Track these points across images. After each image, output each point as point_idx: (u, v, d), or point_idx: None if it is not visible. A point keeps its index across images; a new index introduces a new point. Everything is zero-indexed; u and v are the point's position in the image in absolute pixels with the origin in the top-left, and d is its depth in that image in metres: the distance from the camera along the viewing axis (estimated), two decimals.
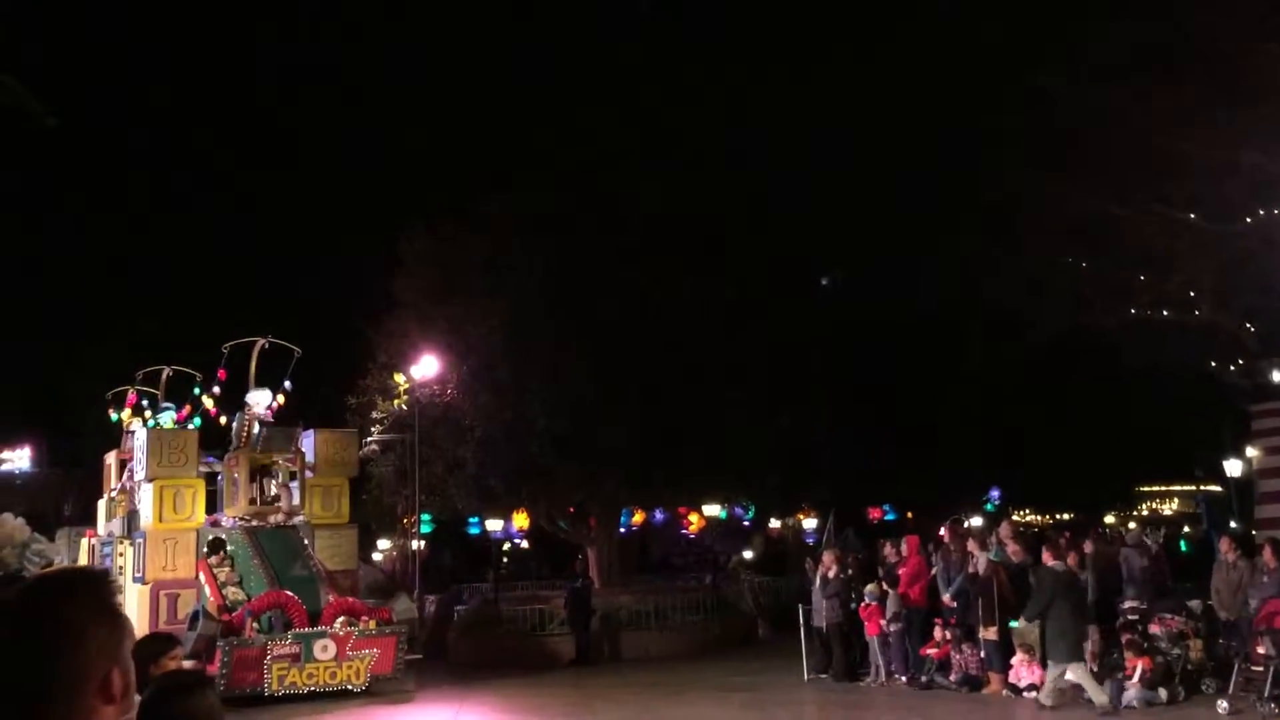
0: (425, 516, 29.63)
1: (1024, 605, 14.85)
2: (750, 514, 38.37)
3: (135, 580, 18.93)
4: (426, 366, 25.30)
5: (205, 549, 18.40)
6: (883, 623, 16.88)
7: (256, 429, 19.58)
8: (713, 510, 36.51)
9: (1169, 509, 60.06)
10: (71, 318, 43.89)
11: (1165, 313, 27.48)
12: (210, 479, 20.33)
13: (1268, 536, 16.45)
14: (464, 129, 52.68)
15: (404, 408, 27.02)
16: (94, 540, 22.49)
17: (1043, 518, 52.48)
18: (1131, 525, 24.13)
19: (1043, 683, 14.44)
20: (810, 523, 38.15)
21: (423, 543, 29.99)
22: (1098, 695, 13.60)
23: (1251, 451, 29.00)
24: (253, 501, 19.44)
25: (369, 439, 26.94)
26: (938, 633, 16.39)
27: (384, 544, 34.50)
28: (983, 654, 15.75)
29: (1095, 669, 14.37)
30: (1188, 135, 23.25)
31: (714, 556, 38.03)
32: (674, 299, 25.01)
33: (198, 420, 21.75)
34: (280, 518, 19.34)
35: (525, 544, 43.13)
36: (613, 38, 47.03)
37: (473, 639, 23.01)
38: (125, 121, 51.75)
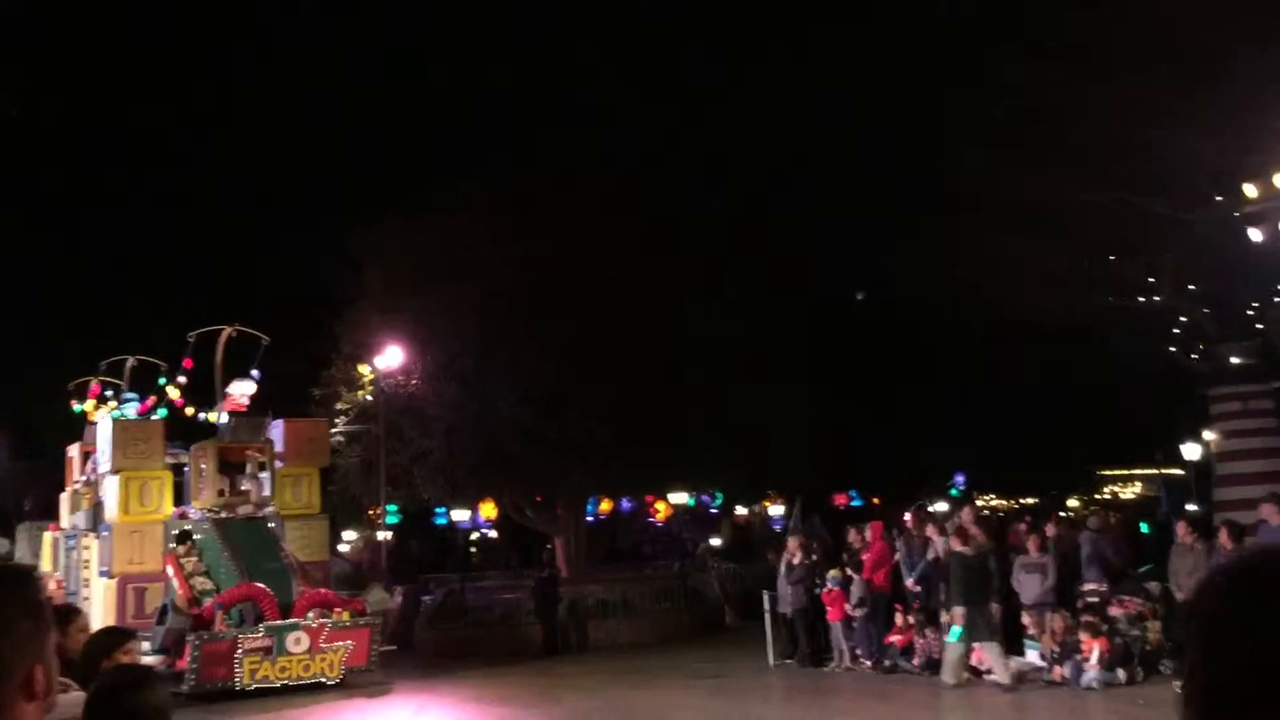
0: (391, 507, 29.56)
1: (986, 590, 15.01)
2: (717, 501, 38.51)
3: (101, 574, 18.67)
4: (391, 357, 25.23)
5: (173, 541, 18.11)
6: (847, 607, 17.01)
7: (224, 419, 19.33)
8: (680, 498, 36.62)
9: (1130, 493, 60.77)
10: (30, 309, 43.31)
11: (1126, 298, 27.77)
12: (177, 471, 20.02)
13: (1224, 519, 16.69)
14: (427, 117, 52.33)
15: (369, 399, 26.93)
16: (57, 534, 22.15)
17: (1007, 502, 52.95)
18: (1094, 509, 24.44)
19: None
20: (777, 509, 38.34)
21: (389, 534, 29.92)
22: (1003, 675, 14.30)
23: (1209, 435, 29.41)
24: (221, 493, 19.17)
25: (334, 430, 26.81)
26: (899, 618, 16.54)
27: (350, 535, 34.37)
28: (945, 638, 15.89)
29: (1057, 651, 14.57)
30: (1147, 122, 23.47)
31: (682, 544, 38.17)
32: (639, 285, 25.01)
33: (163, 411, 21.48)
34: (250, 509, 19.09)
35: (493, 534, 43.10)
36: (571, 26, 46.89)
37: (439, 630, 22.99)
38: (84, 111, 51.04)
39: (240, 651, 15.96)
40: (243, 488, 19.56)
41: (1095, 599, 15.36)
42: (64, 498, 23.19)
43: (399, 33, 53.94)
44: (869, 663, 16.82)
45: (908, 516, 19.64)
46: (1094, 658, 14.10)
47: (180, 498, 19.80)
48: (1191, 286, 27.38)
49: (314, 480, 20.80)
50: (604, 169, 27.72)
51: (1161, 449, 41.77)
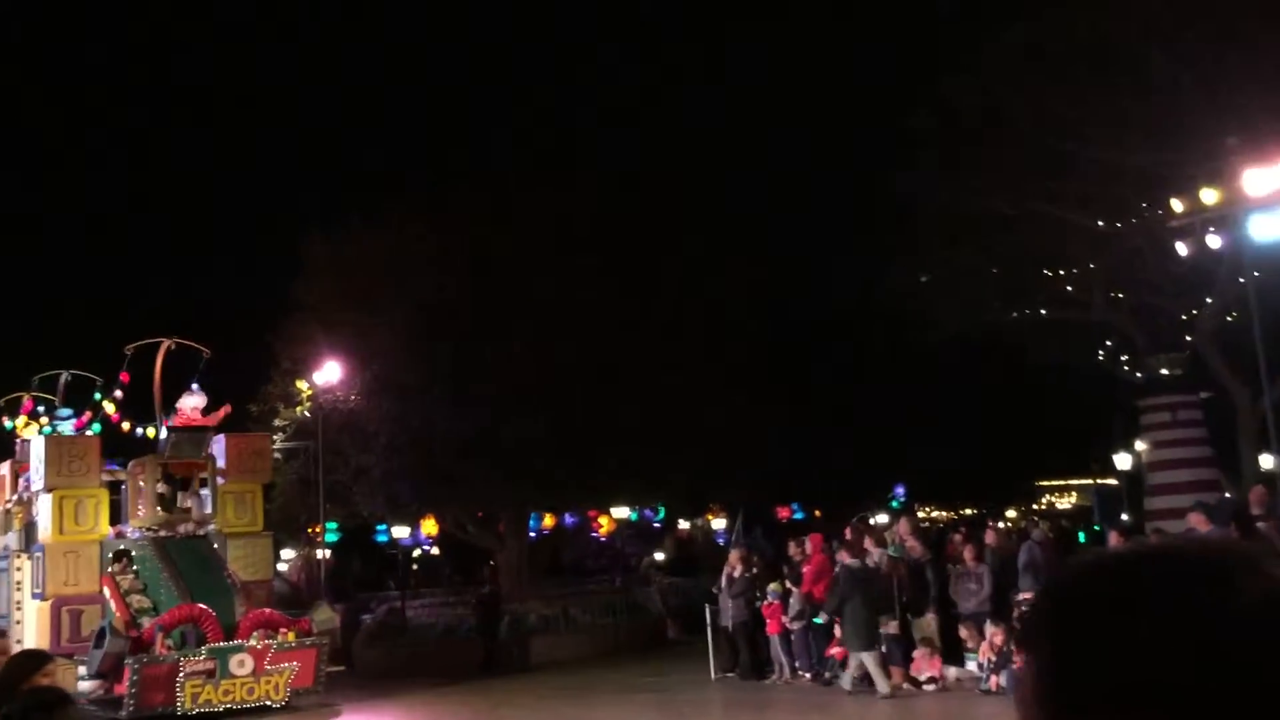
0: (331, 525, 29.18)
1: (923, 601, 15.17)
2: (660, 515, 38.50)
3: (34, 596, 18.02)
4: (330, 372, 24.93)
5: (109, 562, 17.57)
6: (785, 620, 17.06)
7: (165, 434, 18.79)
8: (622, 513, 36.55)
9: (1067, 503, 61.74)
10: None
11: (1058, 310, 28.24)
12: (113, 488, 19.38)
13: (1155, 528, 16.99)
14: (368, 130, 52.03)
15: (307, 415, 26.59)
16: None
17: (947, 514, 53.55)
18: (1041, 523, 24.73)
19: (942, 676, 14.92)
20: (719, 523, 38.41)
21: (328, 552, 29.53)
22: (881, 684, 14.87)
23: (1140, 445, 29.96)
24: (161, 511, 18.53)
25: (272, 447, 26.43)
26: (838, 631, 16.62)
27: (288, 554, 33.88)
28: (883, 649, 16.00)
29: (994, 660, 14.72)
30: (1078, 135, 23.93)
31: (625, 559, 38.10)
32: (580, 299, 24.98)
33: (97, 426, 20.89)
34: (190, 527, 18.53)
35: (435, 551, 42.72)
36: (518, 36, 46.90)
37: (379, 648, 22.72)
38: (25, 110, 50.13)
39: (182, 675, 15.46)
40: (184, 505, 18.97)
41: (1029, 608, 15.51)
42: None
43: (354, 54, 53.63)
44: (809, 675, 16.87)
45: (848, 529, 19.76)
46: None
47: (117, 516, 19.24)
48: (1122, 298, 27.91)
49: (257, 496, 20.25)
50: (546, 177, 27.63)
51: (1097, 459, 42.47)
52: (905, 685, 15.37)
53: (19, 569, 19.08)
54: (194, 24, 55.09)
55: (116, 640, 15.65)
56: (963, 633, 15.45)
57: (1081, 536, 30.70)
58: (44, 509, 18.52)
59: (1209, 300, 26.28)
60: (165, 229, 49.81)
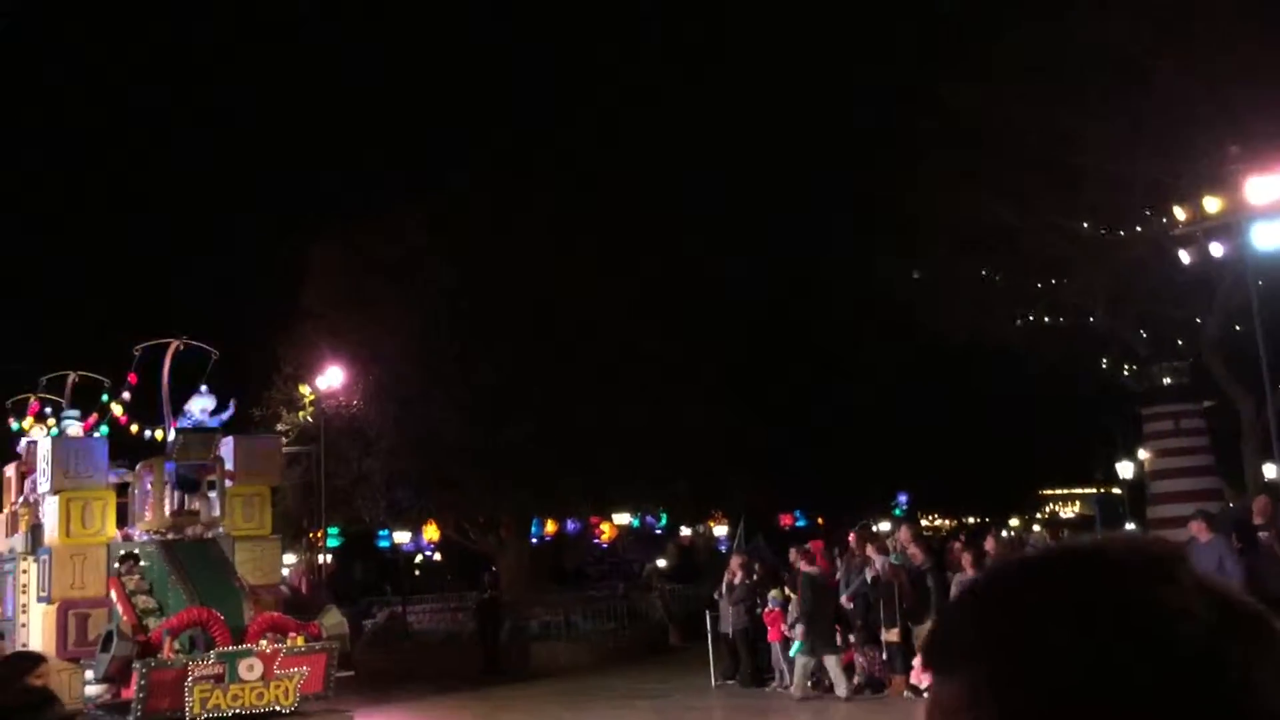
0: (333, 530, 29.20)
1: (924, 608, 15.15)
2: (662, 522, 38.47)
3: (40, 600, 17.73)
4: (332, 377, 24.96)
5: (116, 564, 17.22)
6: (784, 628, 17.04)
7: (172, 435, 18.52)
8: (624, 519, 36.54)
9: (1070, 512, 61.62)
10: None
11: (1062, 319, 28.22)
12: (120, 491, 18.96)
13: (1157, 536, 16.92)
14: (373, 135, 52.13)
15: (310, 419, 26.61)
16: None
17: (949, 521, 53.48)
18: (1037, 528, 24.72)
19: None
20: (721, 530, 38.39)
21: (330, 556, 29.55)
22: (840, 687, 15.47)
23: (1143, 453, 29.91)
24: (176, 513, 18.10)
25: None
26: (838, 638, 16.61)
27: (290, 559, 33.87)
28: (885, 656, 15.99)
29: None
30: (1082, 145, 23.93)
31: (626, 565, 38.06)
32: (583, 304, 25.01)
33: (104, 428, 20.71)
34: (199, 529, 18.13)
35: (437, 556, 42.70)
36: (518, 40, 47.01)
37: (380, 652, 22.71)
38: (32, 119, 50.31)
39: (190, 679, 15.03)
40: (192, 507, 18.49)
41: None
42: (0, 520, 22.41)
43: (356, 56, 53.78)
44: (809, 682, 16.83)
45: (851, 536, 19.73)
46: None
47: (123, 519, 19.06)
48: (1125, 307, 27.89)
49: (266, 499, 19.75)
50: (546, 180, 27.69)
51: (1100, 468, 42.41)
52: (906, 693, 15.35)
53: (25, 572, 18.85)
54: (200, 25, 55.27)
55: (124, 644, 15.23)
56: None
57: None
58: (50, 511, 18.28)
59: (1212, 309, 26.25)
60: (166, 230, 49.91)
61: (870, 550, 16.74)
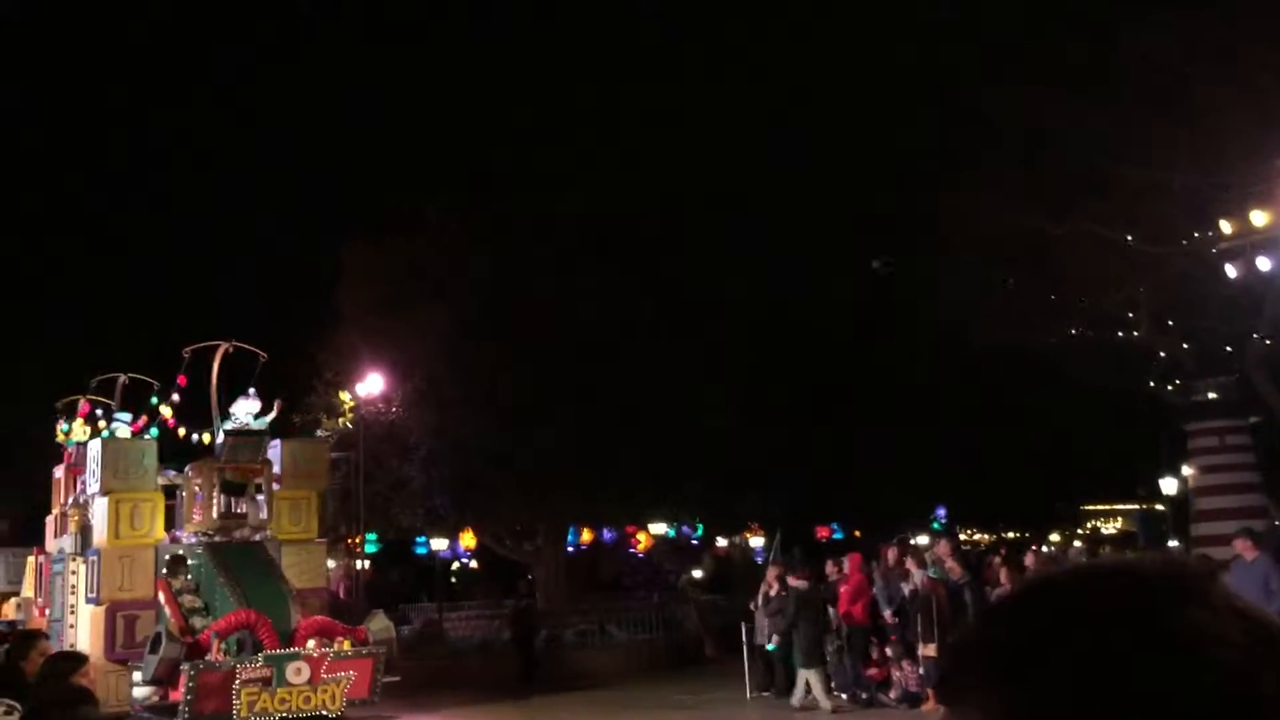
0: (371, 536, 29.38)
1: (961, 623, 15.00)
2: (699, 533, 38.37)
3: (89, 601, 17.81)
4: (372, 384, 25.14)
5: (164, 566, 17.30)
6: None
7: (220, 439, 18.34)
8: (660, 529, 36.48)
9: (1112, 528, 60.86)
10: (6, 331, 43.09)
11: (1105, 333, 27.93)
12: (169, 493, 19.03)
13: (1201, 554, 16.72)
14: (407, 139, 52.55)
15: (349, 425, 26.81)
16: (41, 558, 21.46)
17: (987, 536, 52.98)
18: (1077, 544, 24.45)
19: None
20: (758, 541, 38.23)
21: (367, 563, 29.73)
22: (824, 700, 15.90)
23: (1188, 470, 29.52)
24: (224, 516, 18.07)
25: None
26: (875, 652, 16.50)
27: (329, 564, 34.10)
28: (922, 671, 15.85)
29: None
30: (1125, 156, 23.70)
31: (662, 576, 37.96)
32: (626, 310, 25.05)
33: (154, 430, 20.77)
34: (246, 532, 18.13)
35: (474, 564, 42.83)
36: (544, 45, 47.27)
37: (416, 659, 22.78)
38: (62, 120, 51.14)
39: (238, 682, 14.95)
40: (240, 510, 18.46)
41: None
42: (49, 520, 22.18)
43: (388, 57, 54.22)
44: (845, 696, 16.74)
45: (892, 550, 19.59)
46: None
47: (171, 521, 18.98)
48: (1170, 321, 27.57)
49: (313, 503, 19.76)
50: (580, 183, 27.83)
51: (1143, 484, 41.86)
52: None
53: (74, 572, 18.89)
54: (234, 27, 55.96)
55: (172, 646, 15.22)
56: None
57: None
58: (100, 512, 18.29)
59: (1258, 323, 25.89)
60: (207, 234, 50.51)
61: (910, 564, 16.62)
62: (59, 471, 22.03)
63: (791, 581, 16.96)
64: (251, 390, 18.95)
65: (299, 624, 16.27)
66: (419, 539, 36.48)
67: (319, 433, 27.60)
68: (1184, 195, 23.79)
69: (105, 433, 20.58)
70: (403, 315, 25.69)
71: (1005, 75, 24.71)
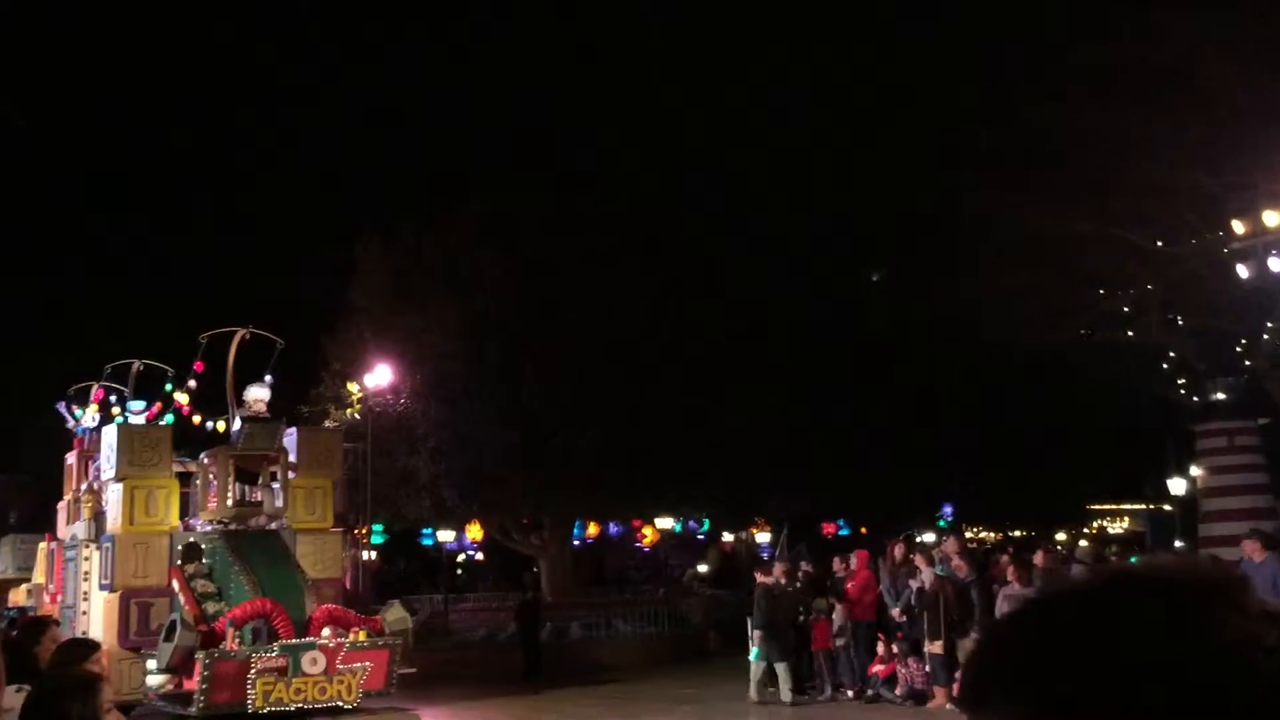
0: (377, 527, 29.42)
1: (968, 621, 15.02)
2: (704, 527, 38.43)
3: (102, 588, 17.58)
4: (380, 375, 25.18)
5: (179, 554, 16.96)
6: (829, 637, 16.99)
7: (236, 425, 17.82)
8: (666, 523, 36.54)
9: (1119, 527, 60.76)
10: (16, 320, 43.22)
11: (1114, 332, 27.86)
12: (183, 480, 18.58)
13: (1209, 555, 16.70)
14: (423, 135, 52.56)
15: (357, 417, 26.85)
16: (53, 545, 21.44)
17: (994, 534, 52.93)
18: (1083, 543, 24.42)
19: None
20: (764, 536, 38.26)
21: (373, 553, 29.77)
22: (785, 692, 16.31)
23: (1196, 471, 29.46)
24: (239, 503, 17.40)
25: None
26: (882, 648, 16.51)
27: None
28: (928, 668, 15.86)
29: None
30: (1136, 156, 23.62)
31: (668, 570, 38.05)
32: (633, 306, 25.07)
33: (169, 418, 20.68)
34: (262, 520, 17.62)
35: (480, 556, 42.92)
36: (572, 41, 47.27)
37: (421, 651, 22.80)
38: (84, 121, 51.20)
39: (253, 672, 14.69)
40: (255, 498, 17.88)
41: None
42: (61, 507, 21.92)
43: (398, 58, 54.27)
44: (851, 692, 16.76)
45: (897, 547, 19.58)
46: None
47: (185, 509, 18.64)
48: (1179, 321, 27.50)
49: (328, 492, 19.40)
50: (602, 190, 27.86)
51: (1150, 484, 41.78)
52: (949, 705, 15.21)
53: (87, 559, 18.75)
54: (238, 29, 56.00)
55: (187, 634, 14.96)
56: None
57: (1133, 561, 30.12)
58: (114, 499, 18.15)
59: (1269, 324, 25.80)
60: (210, 228, 50.67)
61: (919, 561, 16.63)
62: (71, 458, 21.87)
63: (760, 578, 17.37)
64: (269, 378, 18.84)
65: (314, 613, 15.99)
66: (425, 530, 36.57)
67: (326, 423, 27.66)
68: (1195, 195, 23.71)
69: (119, 419, 20.44)
70: (412, 308, 25.73)
71: (1014, 75, 24.66)
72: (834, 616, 17.03)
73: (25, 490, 35.78)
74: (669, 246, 26.33)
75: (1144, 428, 35.29)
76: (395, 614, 16.60)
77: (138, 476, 17.93)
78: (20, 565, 23.29)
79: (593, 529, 34.42)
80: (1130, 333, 27.91)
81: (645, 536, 39.55)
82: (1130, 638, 0.74)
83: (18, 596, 21.14)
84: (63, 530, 21.39)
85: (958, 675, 15.22)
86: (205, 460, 18.19)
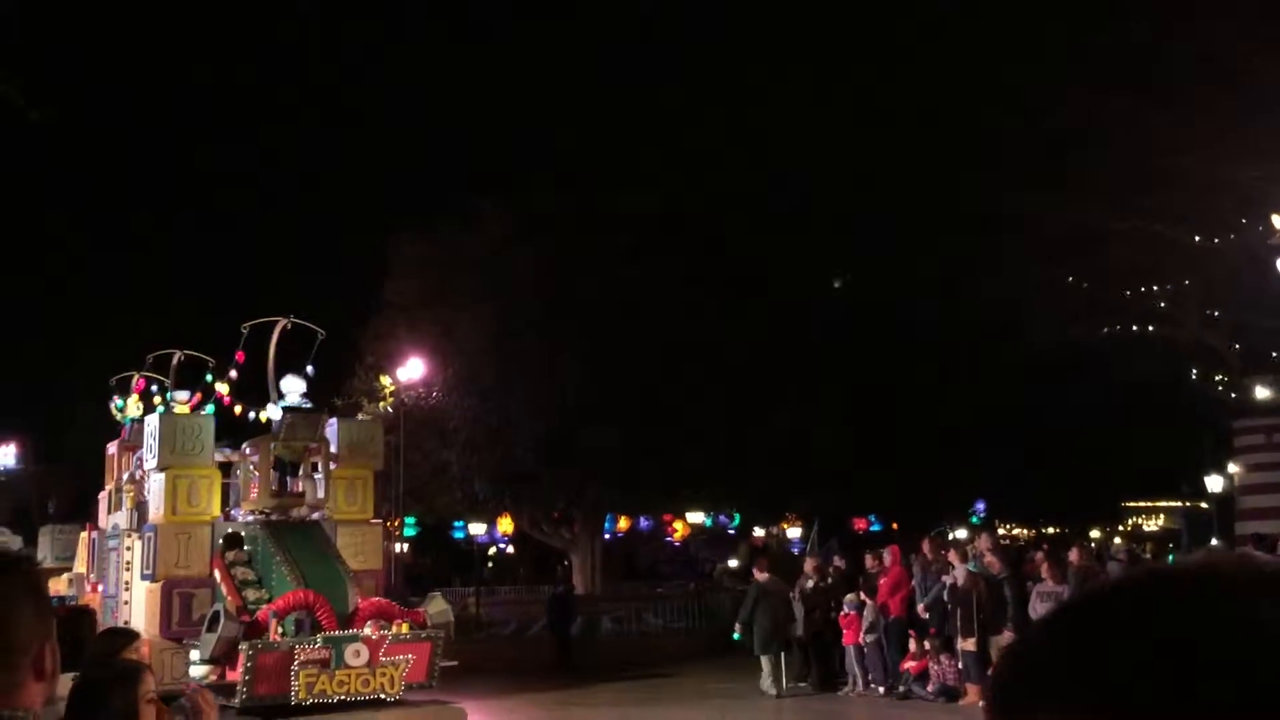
0: (409, 520, 29.62)
1: (1000, 618, 14.94)
2: (735, 522, 38.40)
3: (144, 577, 17.44)
4: (413, 369, 25.31)
5: (221, 544, 17.00)
6: (861, 633, 16.93)
7: (279, 416, 17.75)
8: (697, 518, 36.54)
9: (1154, 525, 60.17)
10: (56, 313, 43.79)
11: (1151, 328, 27.59)
12: (224, 470, 18.68)
13: (1242, 551, 16.48)
14: (458, 131, 52.73)
15: (389, 410, 27.01)
16: (94, 534, 21.50)
17: (1027, 531, 52.55)
18: (1117, 540, 24.22)
19: None
20: (794, 532, 38.18)
21: (405, 546, 29.97)
22: (767, 686, 16.79)
23: (1233, 468, 29.12)
24: (274, 494, 17.54)
25: None
26: (914, 644, 16.43)
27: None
28: (960, 665, 15.78)
29: None
30: (1175, 151, 23.37)
31: (698, 564, 38.06)
32: (666, 301, 25.07)
33: (210, 408, 20.65)
34: (305, 511, 17.63)
35: (510, 549, 43.10)
36: (606, 40, 47.22)
37: (455, 643, 22.91)
38: (118, 117, 51.80)
39: (296, 663, 14.53)
40: (298, 489, 18.02)
41: None
42: (102, 497, 21.93)
43: (434, 48, 54.45)
44: (882, 689, 16.70)
45: (927, 545, 19.48)
46: None
47: (224, 499, 18.44)
48: (1218, 317, 27.19)
49: (369, 483, 19.19)
50: (627, 179, 27.85)
51: (1187, 481, 41.35)
52: (981, 703, 15.09)
53: (128, 549, 18.61)
54: (281, 24, 56.36)
55: (230, 625, 14.83)
56: None
57: (1170, 559, 29.87)
58: (156, 488, 17.95)
59: None
60: (255, 219, 51.06)
61: (952, 556, 16.54)
62: (112, 448, 21.76)
63: (756, 574, 18.06)
64: (310, 369, 18.78)
65: (357, 605, 15.88)
66: (456, 523, 36.76)
67: (359, 416, 27.82)
68: (1234, 190, 23.42)
69: (160, 409, 20.40)
70: (446, 303, 25.85)
71: (1054, 70, 24.43)
72: (865, 613, 16.96)
73: (64, 481, 36.25)
74: (704, 245, 26.30)
75: (1181, 424, 34.90)
76: (437, 607, 16.41)
77: (180, 466, 17.85)
78: (58, 555, 23.46)
79: (623, 523, 34.48)
80: (1168, 328, 27.63)
81: (675, 531, 39.58)
82: (1196, 634, 0.70)
83: (59, 585, 21.28)
84: (104, 520, 21.38)
85: (990, 674, 15.15)
86: (247, 450, 18.34)
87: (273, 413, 18.13)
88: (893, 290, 38.14)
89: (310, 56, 55.60)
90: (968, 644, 15.53)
